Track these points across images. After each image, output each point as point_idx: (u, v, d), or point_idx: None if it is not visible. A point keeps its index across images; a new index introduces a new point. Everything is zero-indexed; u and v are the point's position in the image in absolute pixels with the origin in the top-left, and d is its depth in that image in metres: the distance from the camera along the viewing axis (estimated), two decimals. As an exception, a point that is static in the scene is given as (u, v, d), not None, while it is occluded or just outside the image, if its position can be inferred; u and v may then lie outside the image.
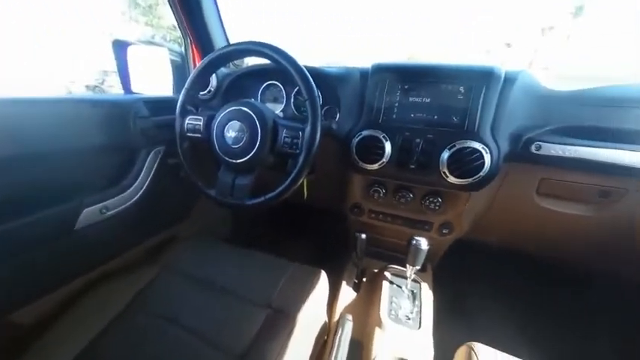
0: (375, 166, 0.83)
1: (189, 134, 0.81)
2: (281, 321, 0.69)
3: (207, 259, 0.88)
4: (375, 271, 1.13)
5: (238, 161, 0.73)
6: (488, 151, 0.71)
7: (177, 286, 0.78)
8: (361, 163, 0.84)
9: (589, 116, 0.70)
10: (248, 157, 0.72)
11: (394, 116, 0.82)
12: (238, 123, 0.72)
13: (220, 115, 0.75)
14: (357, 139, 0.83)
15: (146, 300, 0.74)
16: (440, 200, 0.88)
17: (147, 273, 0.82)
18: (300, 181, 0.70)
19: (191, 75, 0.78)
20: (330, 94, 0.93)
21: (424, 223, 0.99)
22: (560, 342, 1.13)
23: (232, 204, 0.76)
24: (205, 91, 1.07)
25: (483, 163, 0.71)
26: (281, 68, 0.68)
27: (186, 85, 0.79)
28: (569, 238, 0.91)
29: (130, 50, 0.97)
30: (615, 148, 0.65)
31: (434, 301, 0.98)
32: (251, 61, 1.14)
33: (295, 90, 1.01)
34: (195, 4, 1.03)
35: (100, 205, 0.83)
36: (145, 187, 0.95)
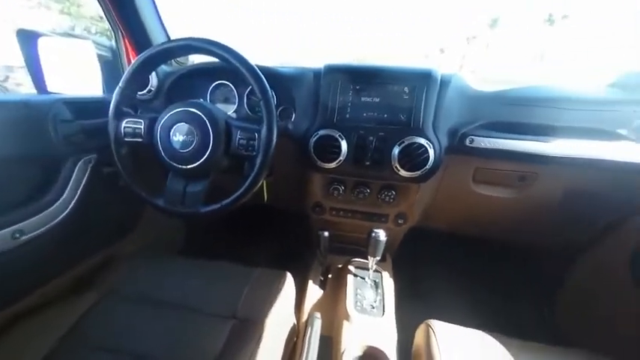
0: (333, 165, 0.85)
1: (127, 139, 0.72)
2: (248, 330, 0.66)
3: (157, 276, 0.80)
4: (340, 266, 1.16)
5: (189, 167, 0.67)
6: (431, 145, 0.79)
7: (123, 312, 0.69)
8: (320, 162, 0.86)
9: (507, 113, 0.82)
10: (200, 161, 0.67)
11: (348, 115, 0.85)
12: (186, 125, 0.67)
13: (164, 118, 0.69)
14: (314, 139, 0.84)
15: (84, 332, 0.64)
16: (394, 193, 0.95)
17: (83, 302, 0.70)
18: (259, 183, 0.68)
19: (126, 72, 0.70)
20: (285, 94, 0.92)
21: (381, 215, 1.06)
22: (498, 305, 1.32)
23: (185, 213, 0.70)
24: (144, 91, 0.97)
25: (428, 156, 0.79)
26: (231, 67, 0.65)
27: (120, 84, 0.70)
28: (499, 218, 1.07)
29: (41, 42, 0.82)
30: (527, 140, 0.78)
31: (394, 287, 1.05)
32: (197, 59, 1.06)
33: (248, 90, 0.98)
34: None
35: (12, 228, 0.68)
36: (73, 203, 0.81)
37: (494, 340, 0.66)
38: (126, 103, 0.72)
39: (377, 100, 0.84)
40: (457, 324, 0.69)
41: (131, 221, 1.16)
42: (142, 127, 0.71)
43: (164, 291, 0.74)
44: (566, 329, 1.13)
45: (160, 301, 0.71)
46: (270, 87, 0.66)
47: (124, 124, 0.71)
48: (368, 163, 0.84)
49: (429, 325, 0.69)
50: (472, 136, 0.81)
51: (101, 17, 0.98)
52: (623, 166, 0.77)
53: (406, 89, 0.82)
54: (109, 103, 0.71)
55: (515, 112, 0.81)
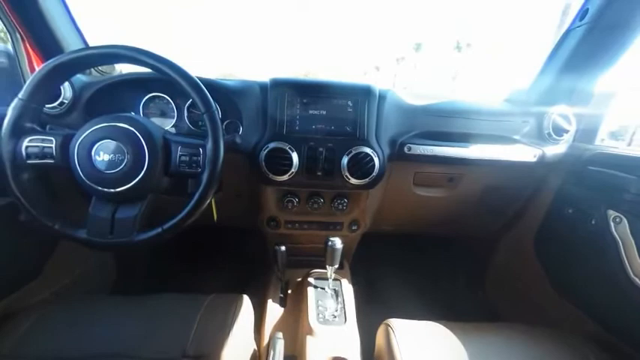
0: (286, 177, 0.85)
1: (31, 161, 0.59)
2: None
3: (77, 325, 0.66)
4: (299, 280, 1.14)
5: (119, 189, 0.59)
6: (376, 154, 0.86)
7: None
8: (272, 175, 0.84)
9: (434, 124, 0.95)
10: (133, 182, 0.59)
11: (297, 128, 0.87)
12: (113, 143, 0.58)
13: (84, 135, 0.59)
14: (264, 152, 0.82)
15: None
16: (346, 201, 0.99)
17: None
18: (208, 201, 0.63)
19: (28, 81, 0.58)
20: (230, 107, 0.89)
21: (336, 224, 1.09)
22: (444, 294, 1.47)
23: (115, 244, 0.61)
24: (55, 104, 0.82)
25: (374, 164, 0.85)
26: (167, 79, 0.60)
27: (20, 95, 0.58)
28: (435, 215, 1.20)
29: None
30: (452, 146, 0.91)
31: (354, 293, 1.07)
32: (125, 68, 0.95)
33: (188, 103, 0.91)
34: None
35: None
36: None
37: (443, 328, 0.72)
38: (29, 118, 0.60)
39: (324, 112, 0.88)
40: (412, 318, 0.74)
41: (36, 263, 0.94)
42: (53, 145, 0.60)
43: (87, 342, 0.61)
44: (497, 305, 1.32)
45: (82, 357, 0.58)
46: (214, 100, 0.63)
47: (25, 143, 0.58)
48: (320, 173, 0.87)
49: (387, 325, 0.72)
50: (409, 145, 0.90)
51: (-10, 16, 0.81)
52: (517, 164, 0.95)
53: (350, 103, 0.88)
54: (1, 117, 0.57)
55: (440, 123, 0.95)
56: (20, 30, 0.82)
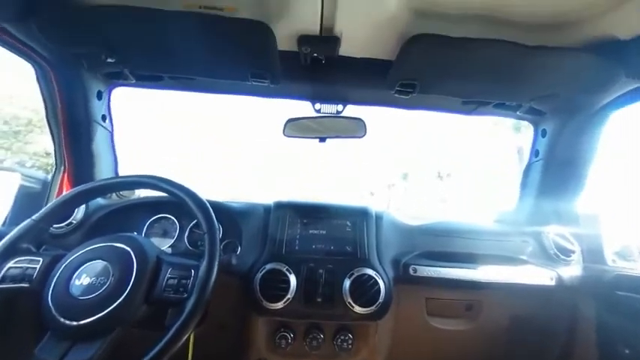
0: (281, 305, 0.75)
1: (4, 285, 0.54)
2: None
3: None
4: None
5: (83, 322, 0.51)
6: (379, 276, 0.80)
7: None
8: (265, 302, 0.75)
9: (435, 243, 0.94)
10: (106, 311, 0.52)
11: (297, 247, 0.86)
12: (102, 264, 0.56)
13: (74, 255, 0.57)
14: (260, 274, 0.77)
15: None
16: (351, 337, 0.82)
17: None
18: (187, 334, 0.53)
19: (50, 204, 0.63)
20: (232, 227, 0.91)
21: None
22: None
23: None
24: (63, 224, 0.84)
25: (379, 288, 0.77)
26: (179, 201, 0.65)
27: (34, 216, 0.61)
28: (459, 357, 0.97)
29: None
30: (461, 268, 0.87)
31: None
32: (143, 192, 1.05)
33: (192, 223, 0.95)
34: (84, 133, 0.96)
35: None
36: None
37: None
38: (30, 238, 0.60)
39: (324, 232, 0.89)
40: None
41: None
42: (38, 267, 0.57)
43: None
44: None
45: None
46: (218, 221, 0.66)
47: (9, 265, 0.56)
48: (319, 299, 0.77)
49: None
50: (414, 266, 0.86)
51: (47, 153, 0.98)
52: (537, 289, 0.87)
53: (349, 223, 0.91)
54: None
55: (440, 242, 0.94)
56: (67, 161, 0.97)
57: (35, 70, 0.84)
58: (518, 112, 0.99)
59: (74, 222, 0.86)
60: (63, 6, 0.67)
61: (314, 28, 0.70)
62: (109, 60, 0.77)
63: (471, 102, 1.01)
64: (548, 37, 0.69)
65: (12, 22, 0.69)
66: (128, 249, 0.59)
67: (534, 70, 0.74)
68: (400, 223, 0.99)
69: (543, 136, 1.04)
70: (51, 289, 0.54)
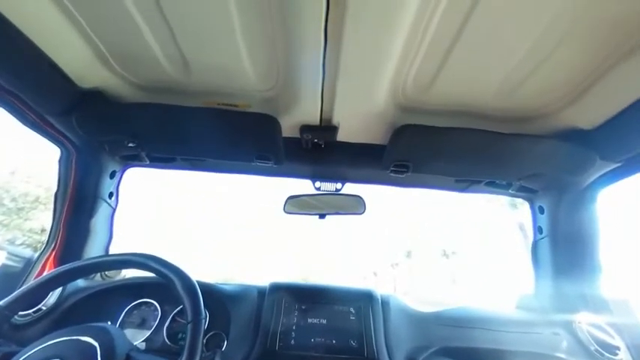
0: None
1: None
2: None
3: None
4: None
5: None
6: None
7: None
8: None
9: (453, 337, 0.81)
10: None
11: (293, 342, 0.73)
12: None
13: (27, 354, 0.49)
14: None
15: None
16: None
17: None
18: None
19: (22, 288, 0.57)
20: (220, 314, 0.81)
21: None
22: None
23: None
24: (30, 311, 0.75)
25: None
26: (166, 282, 0.60)
27: (0, 302, 0.54)
28: None
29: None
30: None
31: None
32: (129, 272, 0.98)
33: (176, 310, 0.84)
34: (88, 209, 0.96)
35: None
36: None
37: None
38: None
39: (324, 321, 0.78)
40: None
41: None
42: None
43: None
44: None
45: None
46: (206, 306, 0.59)
47: None
48: None
49: None
50: None
51: (42, 230, 0.96)
52: None
53: (352, 309, 0.81)
54: None
55: (459, 335, 0.81)
56: (60, 237, 0.93)
57: (61, 152, 0.92)
58: (510, 190, 1.02)
59: (43, 308, 0.76)
60: (102, 104, 0.78)
61: (315, 118, 0.81)
62: (130, 145, 0.85)
63: (463, 180, 1.06)
64: (522, 127, 0.79)
65: (56, 116, 0.80)
66: (95, 344, 0.50)
67: (515, 153, 0.80)
68: (411, 311, 0.88)
69: (542, 212, 1.04)
70: None
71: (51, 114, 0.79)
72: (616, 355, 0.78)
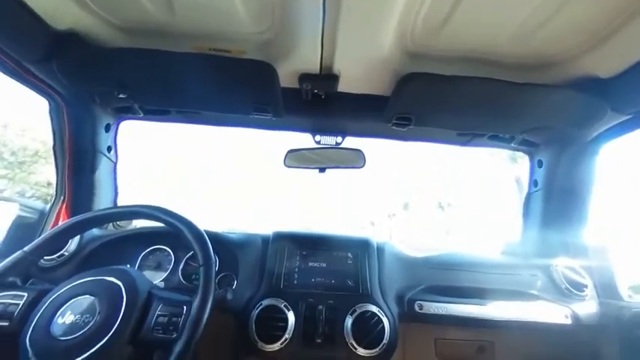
0: (277, 346, 0.70)
1: None
2: None
3: None
4: None
5: None
6: (383, 313, 0.75)
7: None
8: (261, 343, 0.70)
9: (441, 277, 0.90)
10: (87, 354, 0.47)
11: (295, 282, 0.82)
12: (90, 299, 0.53)
13: (61, 290, 0.55)
14: (257, 311, 0.73)
15: None
16: None
17: None
18: None
19: (43, 235, 0.61)
20: (229, 259, 0.88)
21: None
22: None
23: None
24: (54, 256, 0.82)
25: (383, 326, 0.72)
26: (175, 232, 0.64)
27: (26, 248, 0.59)
28: None
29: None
30: (469, 304, 0.82)
31: None
32: (139, 222, 1.04)
33: (188, 255, 0.92)
34: (88, 164, 0.97)
35: None
36: None
37: None
38: (17, 271, 0.58)
39: (324, 265, 0.86)
40: None
41: None
42: (22, 302, 0.54)
43: None
44: None
45: None
46: (215, 252, 0.64)
47: None
48: (319, 340, 0.72)
49: None
50: (420, 302, 0.81)
51: (48, 183, 0.98)
52: (552, 328, 0.81)
53: (350, 255, 0.88)
54: None
55: (446, 276, 0.90)
56: (67, 191, 0.97)
57: (49, 104, 0.88)
58: (512, 144, 1.01)
59: (66, 254, 0.83)
60: (82, 49, 0.72)
61: (314, 67, 0.75)
62: (121, 96, 0.81)
63: (466, 134, 1.04)
64: (535, 76, 0.74)
65: (36, 63, 0.74)
66: (119, 283, 0.56)
67: (523, 105, 0.77)
68: (403, 256, 0.95)
69: (540, 166, 1.05)
70: (31, 328, 0.50)
71: (29, 61, 0.73)
72: (583, 292, 0.88)
